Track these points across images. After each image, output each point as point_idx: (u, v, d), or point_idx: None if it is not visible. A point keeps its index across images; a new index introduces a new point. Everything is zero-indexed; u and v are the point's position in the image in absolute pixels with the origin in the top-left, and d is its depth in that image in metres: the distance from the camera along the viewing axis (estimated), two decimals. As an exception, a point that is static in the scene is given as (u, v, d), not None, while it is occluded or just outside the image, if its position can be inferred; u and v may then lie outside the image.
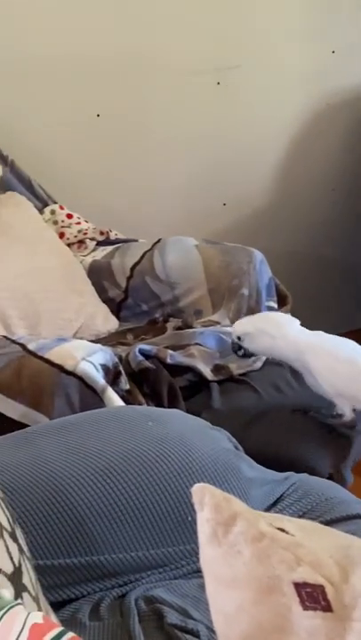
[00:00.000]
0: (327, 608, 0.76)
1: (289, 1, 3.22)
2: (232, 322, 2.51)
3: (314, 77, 3.36)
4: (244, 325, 2.05)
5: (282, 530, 0.83)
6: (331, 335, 2.03)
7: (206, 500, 0.84)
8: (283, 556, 0.79)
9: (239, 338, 2.04)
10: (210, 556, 0.82)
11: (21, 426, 1.80)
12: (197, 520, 0.84)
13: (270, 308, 2.58)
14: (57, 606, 1.31)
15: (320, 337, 2.01)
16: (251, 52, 3.22)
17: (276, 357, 2.04)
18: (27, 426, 1.78)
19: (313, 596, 0.77)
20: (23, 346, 2.04)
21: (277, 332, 1.99)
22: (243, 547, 0.81)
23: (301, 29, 3.28)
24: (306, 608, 0.76)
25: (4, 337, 2.17)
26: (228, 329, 2.38)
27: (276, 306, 2.61)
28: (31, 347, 2.02)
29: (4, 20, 2.77)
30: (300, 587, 0.77)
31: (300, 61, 3.31)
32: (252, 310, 2.52)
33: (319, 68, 3.36)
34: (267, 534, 0.81)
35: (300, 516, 1.58)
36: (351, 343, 2.00)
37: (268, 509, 1.59)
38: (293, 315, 2.64)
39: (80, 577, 1.36)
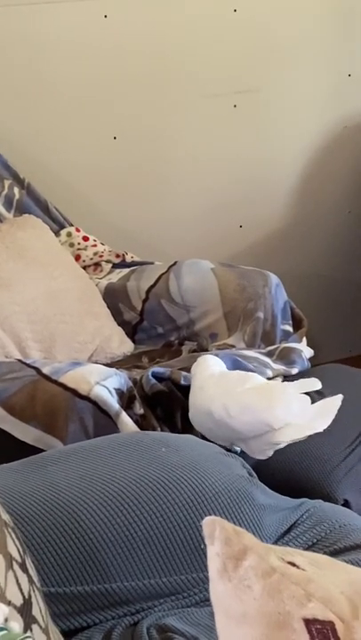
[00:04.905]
0: (338, 645, 0.76)
1: (306, 26, 3.23)
2: (247, 345, 2.51)
3: (331, 101, 3.36)
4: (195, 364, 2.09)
5: (293, 564, 0.83)
6: (230, 389, 1.94)
7: (217, 533, 0.83)
8: (293, 592, 0.79)
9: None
10: (220, 590, 0.82)
11: (35, 450, 1.80)
12: (208, 554, 0.83)
13: (286, 332, 2.58)
14: (68, 634, 1.31)
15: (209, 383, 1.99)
16: (268, 75, 3.22)
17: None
18: (40, 450, 1.78)
19: (323, 633, 0.76)
20: (37, 369, 2.04)
21: (194, 375, 2.04)
22: (253, 581, 0.80)
23: (318, 53, 3.28)
24: (316, 645, 0.76)
25: (19, 360, 2.17)
26: (244, 352, 2.37)
27: (291, 329, 2.60)
28: (45, 370, 2.02)
29: (20, 42, 2.79)
30: (310, 623, 0.77)
31: (316, 85, 3.31)
32: (268, 334, 2.52)
33: (336, 92, 3.36)
34: (277, 569, 0.81)
35: (313, 544, 1.57)
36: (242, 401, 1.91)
37: (281, 536, 1.58)
38: (308, 338, 2.65)
39: (92, 605, 1.35)
